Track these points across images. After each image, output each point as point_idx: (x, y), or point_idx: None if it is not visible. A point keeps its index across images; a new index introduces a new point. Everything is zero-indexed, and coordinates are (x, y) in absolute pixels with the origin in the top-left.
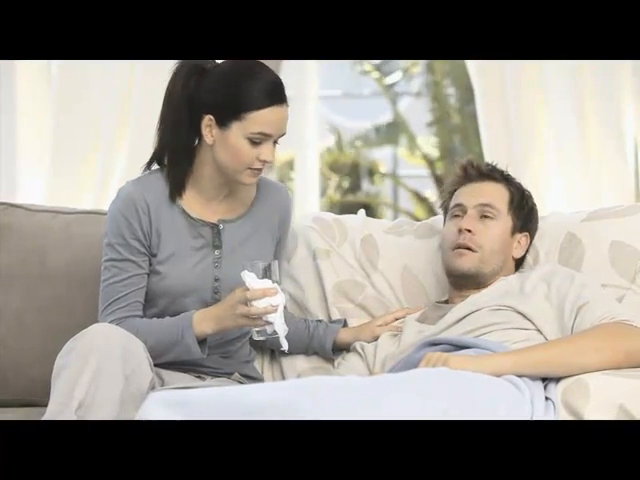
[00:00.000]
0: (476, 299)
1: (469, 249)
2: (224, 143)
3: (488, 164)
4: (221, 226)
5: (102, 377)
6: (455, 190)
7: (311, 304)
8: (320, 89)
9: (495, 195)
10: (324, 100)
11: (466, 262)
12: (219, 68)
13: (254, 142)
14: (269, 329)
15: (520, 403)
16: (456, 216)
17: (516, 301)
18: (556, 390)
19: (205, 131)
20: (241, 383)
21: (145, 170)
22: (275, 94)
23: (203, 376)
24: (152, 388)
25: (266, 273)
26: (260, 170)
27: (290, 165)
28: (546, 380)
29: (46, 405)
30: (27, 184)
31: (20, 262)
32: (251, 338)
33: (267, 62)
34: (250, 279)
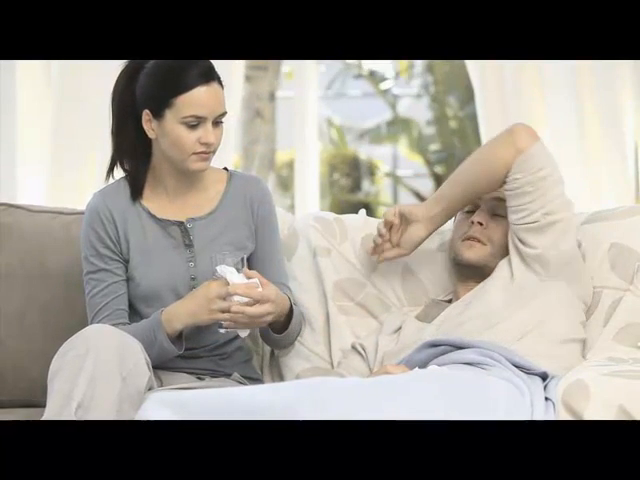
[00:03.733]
0: (481, 297)
1: (479, 241)
2: (163, 134)
3: None
4: (189, 224)
5: (99, 378)
6: None
7: (311, 302)
8: (320, 89)
9: None
10: (324, 100)
11: (475, 253)
12: (151, 64)
13: (190, 126)
14: None
15: (520, 404)
16: (469, 211)
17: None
18: (556, 390)
19: (146, 126)
20: (241, 383)
21: (107, 176)
22: (200, 75)
23: (202, 376)
24: (150, 388)
25: (239, 267)
26: (206, 154)
27: (290, 165)
28: (546, 380)
29: (45, 406)
30: (27, 184)
31: (20, 262)
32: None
33: (267, 62)
34: (230, 274)
